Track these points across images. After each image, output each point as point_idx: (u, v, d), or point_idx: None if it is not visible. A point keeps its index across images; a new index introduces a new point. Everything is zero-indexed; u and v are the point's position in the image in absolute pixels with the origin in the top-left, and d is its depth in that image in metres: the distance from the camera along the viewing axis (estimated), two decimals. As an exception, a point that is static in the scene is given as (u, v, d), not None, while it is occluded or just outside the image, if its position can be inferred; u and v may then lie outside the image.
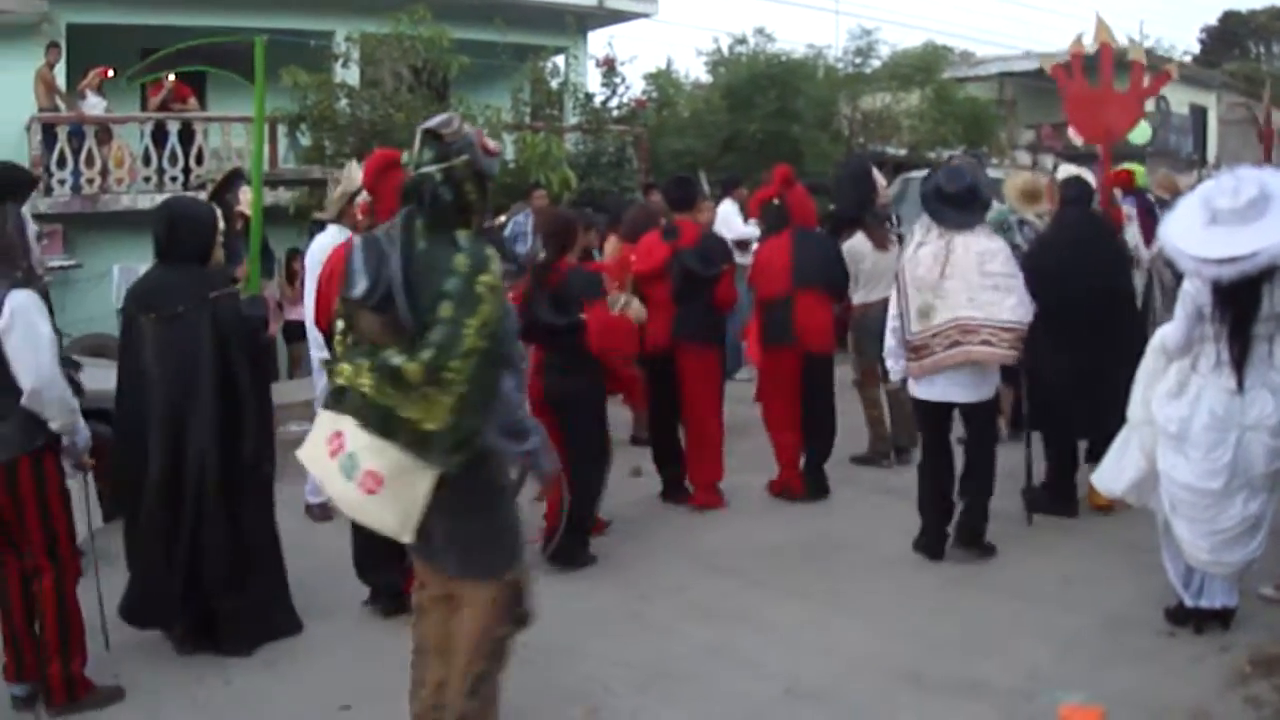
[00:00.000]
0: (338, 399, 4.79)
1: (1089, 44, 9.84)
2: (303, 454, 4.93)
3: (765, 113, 22.97)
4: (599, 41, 24.40)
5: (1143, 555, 7.40)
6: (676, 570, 8.08)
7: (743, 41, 27.24)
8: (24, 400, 5.72)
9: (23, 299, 5.73)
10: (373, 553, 7.00)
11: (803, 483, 9.72)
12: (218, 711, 6.07)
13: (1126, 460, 6.95)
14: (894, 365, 8.19)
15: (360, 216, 8.33)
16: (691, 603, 7.44)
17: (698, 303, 9.33)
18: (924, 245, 7.83)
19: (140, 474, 6.59)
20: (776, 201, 9.66)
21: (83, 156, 18.59)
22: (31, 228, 6.12)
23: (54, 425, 5.83)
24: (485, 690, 5.05)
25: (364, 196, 8.93)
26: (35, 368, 5.69)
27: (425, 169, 4.76)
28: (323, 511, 9.04)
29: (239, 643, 6.69)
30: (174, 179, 18.95)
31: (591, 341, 7.93)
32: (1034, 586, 7.55)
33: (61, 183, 18.53)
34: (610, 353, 8.11)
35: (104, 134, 18.96)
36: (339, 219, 8.89)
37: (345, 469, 4.69)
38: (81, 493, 6.67)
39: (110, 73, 19.09)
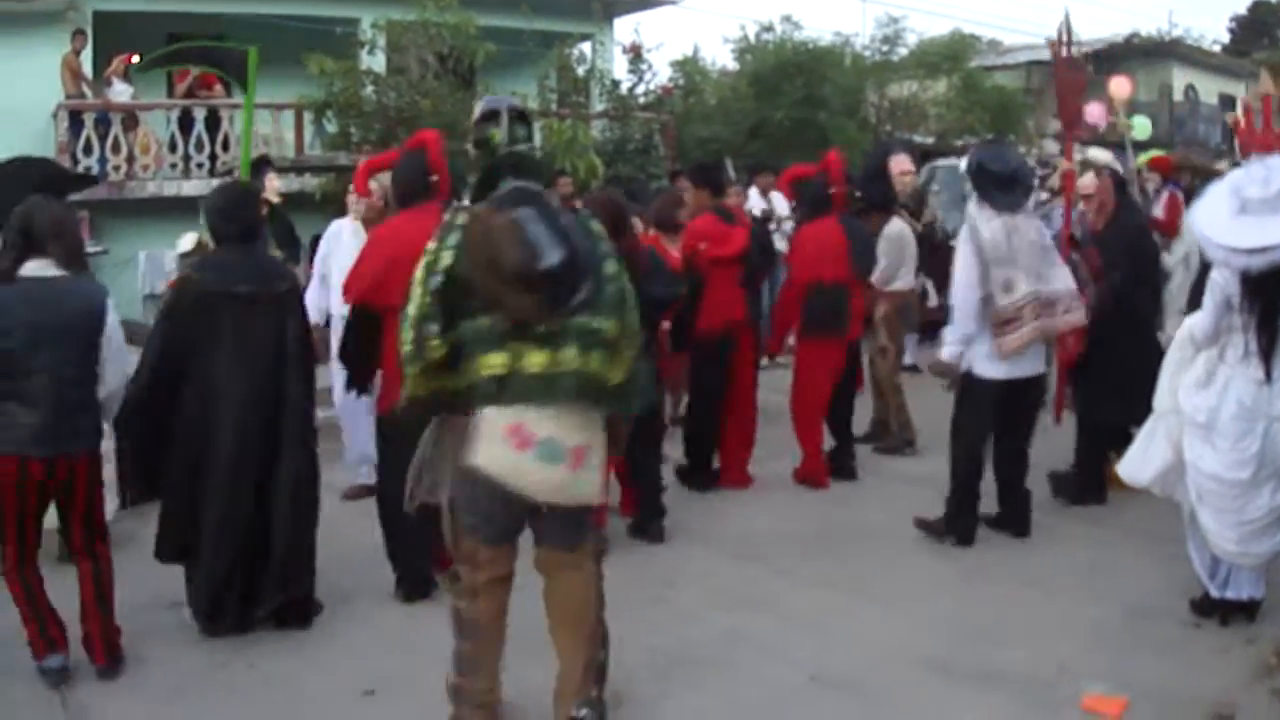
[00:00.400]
0: (493, 393, 4.74)
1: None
2: (481, 459, 4.76)
3: (792, 100, 22.96)
4: (625, 28, 24.44)
5: (1168, 546, 7.33)
6: (701, 556, 8.04)
7: (770, 29, 27.24)
8: (104, 396, 6.10)
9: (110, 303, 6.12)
10: (405, 539, 7.01)
11: (829, 470, 9.68)
12: (245, 694, 6.05)
13: (1153, 450, 6.89)
14: (954, 349, 7.92)
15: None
16: (716, 589, 7.40)
17: (754, 286, 9.55)
18: (991, 222, 7.74)
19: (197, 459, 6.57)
20: (834, 190, 9.63)
21: (109, 143, 18.68)
22: None
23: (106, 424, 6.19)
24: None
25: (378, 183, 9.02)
26: (123, 367, 6.15)
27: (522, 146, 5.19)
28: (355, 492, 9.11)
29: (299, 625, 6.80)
30: (200, 165, 19.02)
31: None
32: (1059, 576, 7.49)
33: (88, 169, 18.54)
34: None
35: (130, 120, 19.01)
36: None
37: (546, 456, 4.73)
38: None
39: (135, 58, 19.09)
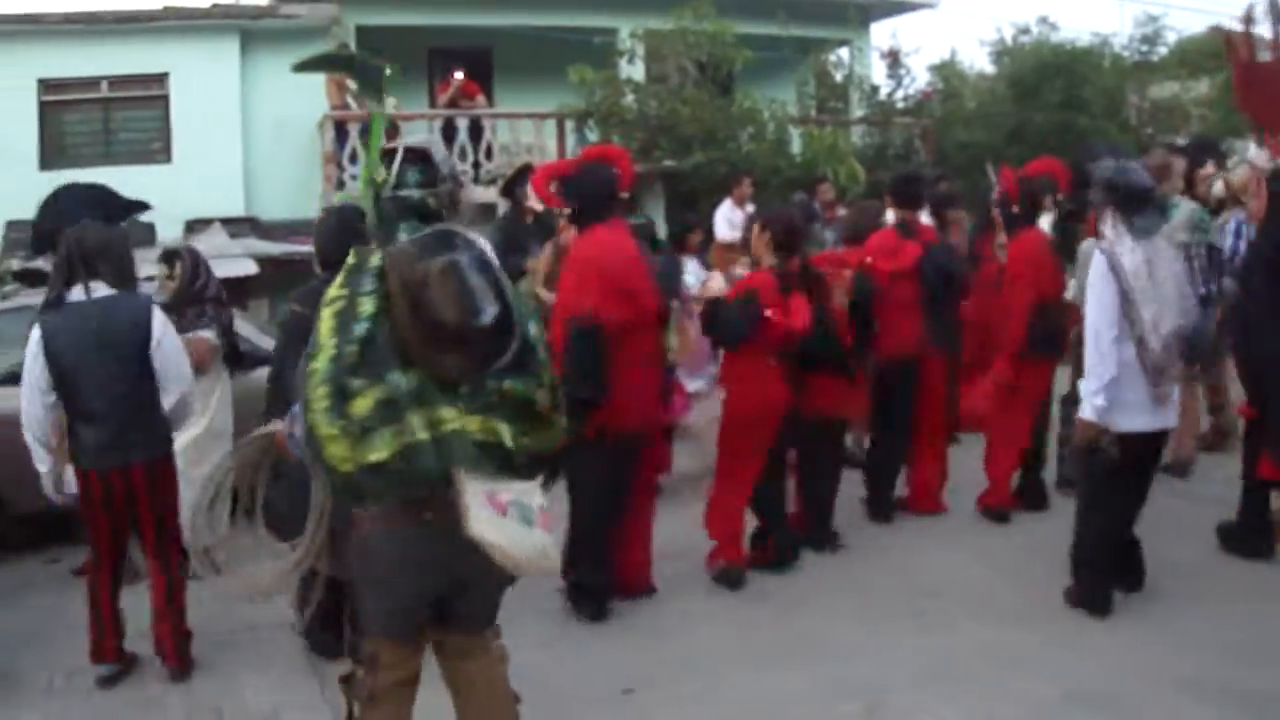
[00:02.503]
0: (448, 455, 4.01)
1: None
2: (476, 531, 3.98)
3: (1051, 103, 22.30)
4: (882, 33, 24.11)
5: None
6: (960, 568, 7.86)
7: (1026, 31, 26.73)
8: (170, 406, 6.31)
9: (162, 315, 6.31)
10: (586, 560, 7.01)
11: (1019, 496, 9.08)
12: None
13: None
14: (1099, 403, 6.67)
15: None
16: (972, 601, 7.21)
17: (946, 308, 8.91)
18: (1135, 252, 6.67)
19: None
20: (1060, 198, 9.16)
21: (374, 152, 18.91)
22: None
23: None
24: None
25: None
26: (183, 373, 6.33)
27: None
28: None
29: None
30: (464, 173, 19.14)
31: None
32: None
33: (353, 178, 18.93)
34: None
35: (393, 131, 19.25)
36: None
37: (524, 518, 4.09)
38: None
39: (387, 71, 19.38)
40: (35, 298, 9.92)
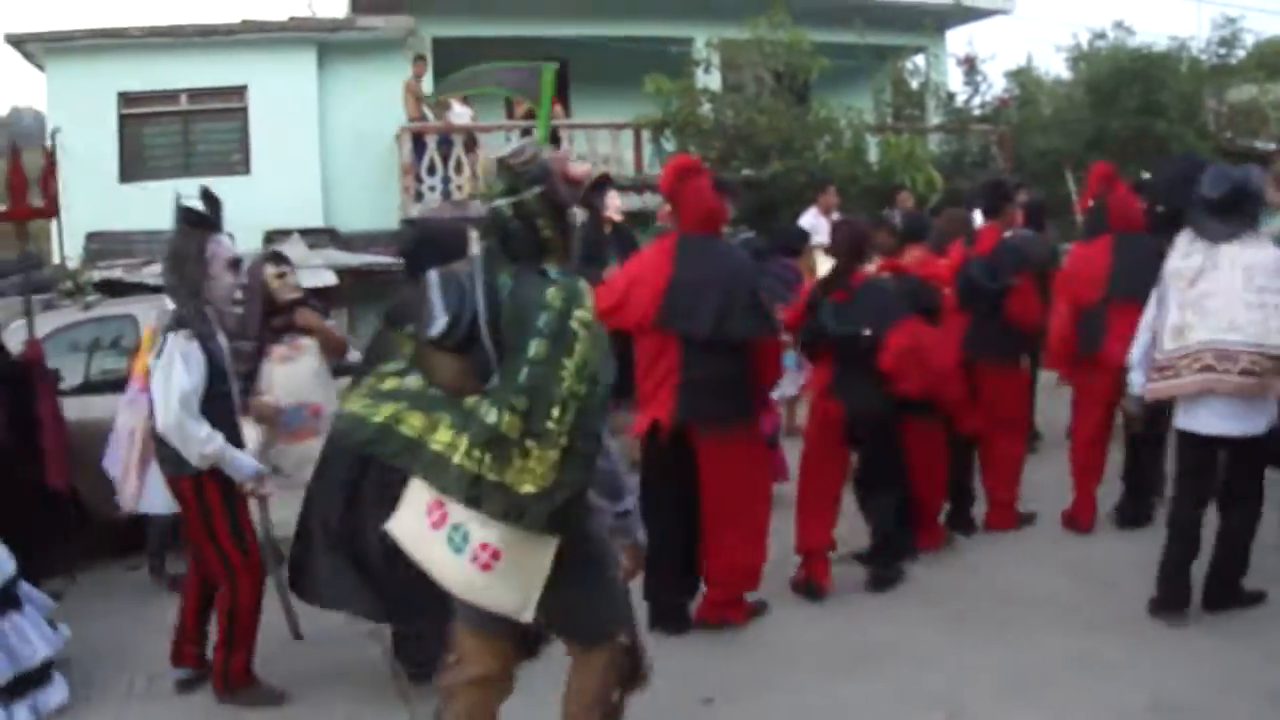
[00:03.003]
0: (409, 457, 4.05)
1: None
2: (394, 526, 4.22)
3: (1129, 109, 22.07)
4: (957, 40, 23.94)
5: None
6: (1042, 577, 7.75)
7: (1102, 36, 26.45)
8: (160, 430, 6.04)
9: (170, 343, 5.98)
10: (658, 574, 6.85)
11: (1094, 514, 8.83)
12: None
13: None
14: (1137, 378, 7.11)
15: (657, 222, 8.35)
16: (1056, 610, 7.11)
17: (991, 317, 8.73)
18: (1189, 257, 6.70)
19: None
20: (1092, 203, 9.03)
21: (451, 164, 19.13)
22: (224, 261, 6.21)
23: (193, 462, 6.00)
24: None
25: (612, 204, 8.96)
26: (163, 412, 5.95)
27: (496, 202, 4.23)
28: None
29: None
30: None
31: (884, 360, 7.46)
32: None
33: (431, 189, 19.14)
34: (904, 376, 7.54)
35: (470, 142, 19.41)
36: None
37: (453, 543, 4.04)
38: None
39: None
40: (117, 307, 10.06)
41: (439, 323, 4.08)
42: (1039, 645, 6.55)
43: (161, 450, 6.16)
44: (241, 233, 15.87)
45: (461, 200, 18.97)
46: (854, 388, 7.60)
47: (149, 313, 10.07)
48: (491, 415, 3.87)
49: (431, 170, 19.14)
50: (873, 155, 18.61)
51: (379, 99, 19.58)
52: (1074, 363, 8.84)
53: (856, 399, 7.61)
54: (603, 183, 11.00)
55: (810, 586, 7.56)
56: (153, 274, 13.60)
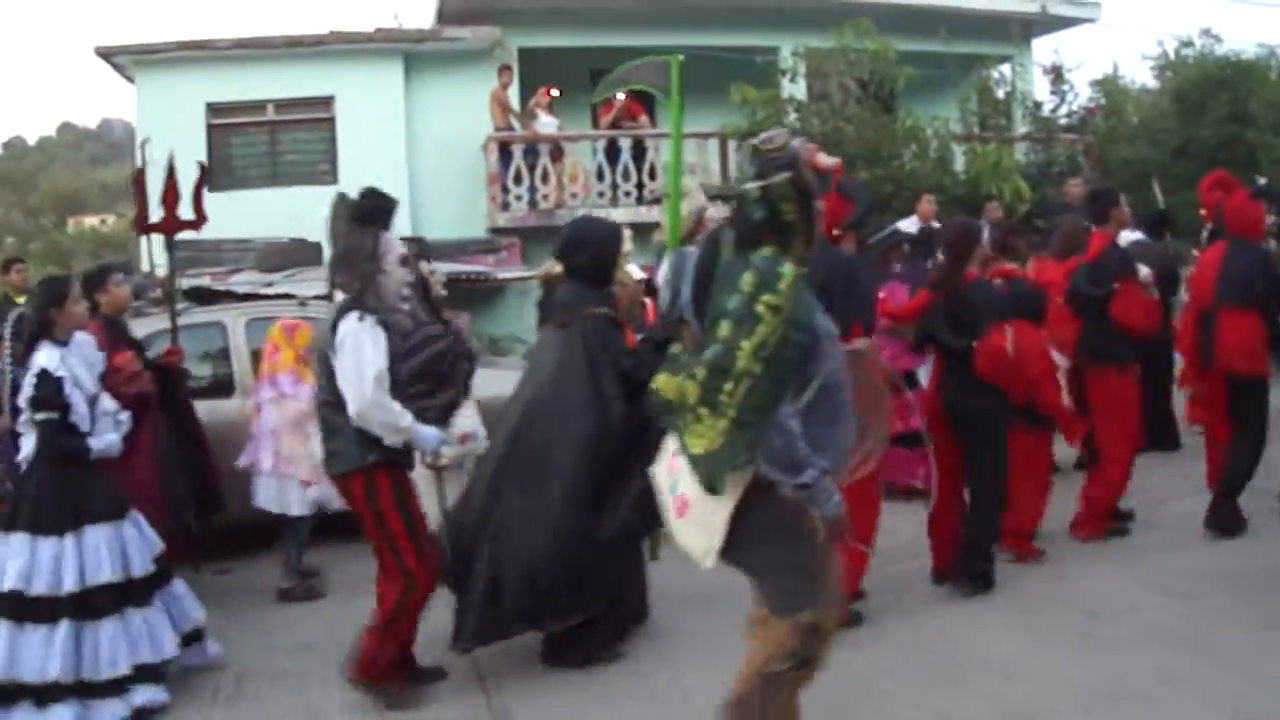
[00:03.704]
0: (660, 411, 4.64)
1: None
2: (655, 469, 4.91)
3: (1217, 117, 21.85)
4: (1044, 49, 23.76)
5: None
6: (1128, 590, 7.69)
7: (1189, 44, 26.11)
8: (352, 421, 6.04)
9: (353, 324, 6.04)
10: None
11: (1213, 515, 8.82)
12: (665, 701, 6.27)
13: None
14: None
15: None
16: (1142, 624, 7.04)
17: (1098, 321, 8.79)
18: None
19: None
20: (1204, 210, 9.02)
21: (538, 173, 19.22)
22: (396, 257, 6.26)
23: (386, 442, 6.09)
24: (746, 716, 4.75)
25: (710, 212, 9.15)
26: (358, 394, 5.98)
27: (744, 186, 4.52)
28: None
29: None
30: (627, 194, 19.47)
31: (978, 364, 7.59)
32: None
33: (518, 198, 19.22)
34: (998, 379, 7.65)
35: (557, 152, 19.49)
36: (689, 239, 8.98)
37: (671, 489, 4.69)
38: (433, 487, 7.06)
39: (554, 92, 19.62)
40: (205, 315, 10.17)
41: (663, 297, 4.68)
42: (1123, 658, 6.52)
43: (332, 445, 6.23)
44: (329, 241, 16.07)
45: (548, 209, 19.06)
46: (954, 386, 7.80)
47: (237, 320, 10.25)
48: (682, 381, 4.35)
49: (518, 179, 19.21)
50: (959, 165, 18.54)
51: (465, 109, 19.68)
52: (1193, 368, 9.01)
53: (955, 397, 7.78)
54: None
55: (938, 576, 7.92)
56: (241, 282, 13.77)
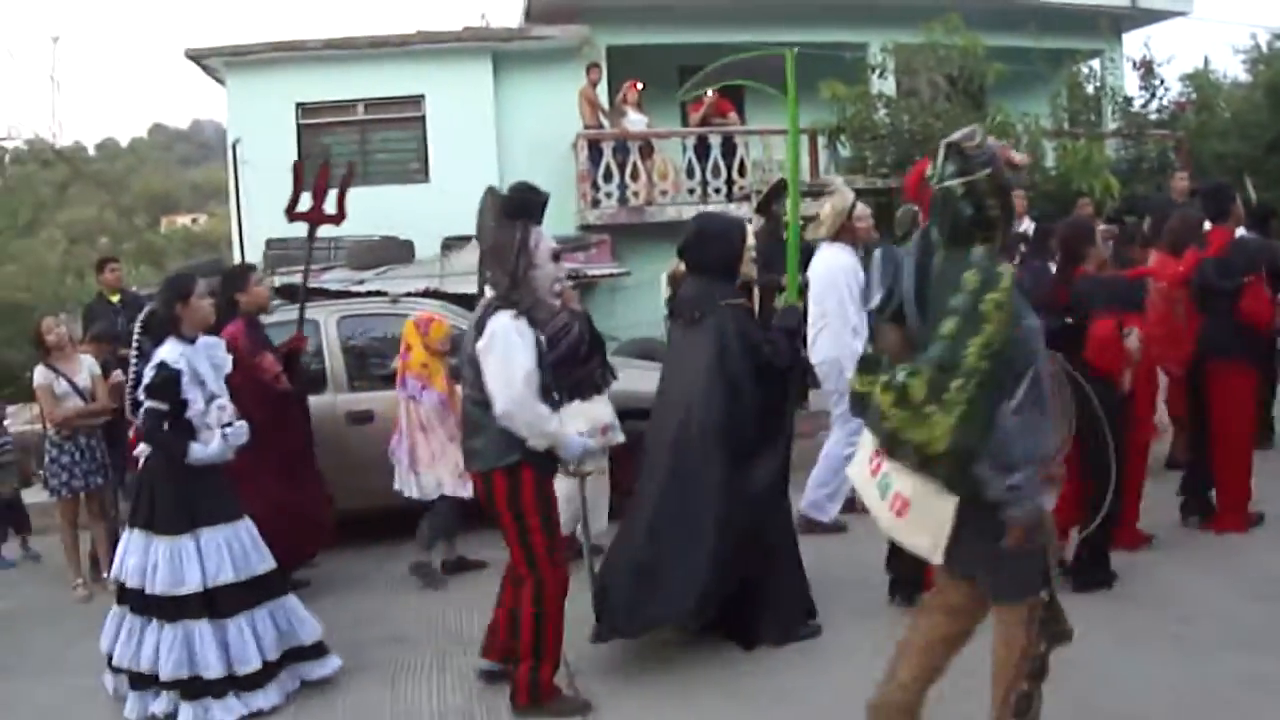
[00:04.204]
0: (860, 409, 4.84)
1: None
2: (851, 470, 5.05)
3: (1312, 110, 21.65)
4: (1134, 43, 23.51)
5: None
6: (1221, 594, 7.57)
7: (1281, 36, 25.86)
8: (497, 420, 5.93)
9: (504, 322, 5.93)
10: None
11: None
12: (754, 701, 6.27)
13: None
14: None
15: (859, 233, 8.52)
16: (1235, 628, 6.92)
17: (1223, 316, 8.71)
18: None
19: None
20: None
21: (628, 171, 19.28)
22: (547, 252, 6.19)
23: (530, 444, 5.97)
24: (1027, 707, 4.95)
25: (860, 212, 9.23)
26: (506, 392, 5.87)
27: (947, 183, 4.59)
28: (807, 525, 8.99)
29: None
30: (717, 190, 19.47)
31: (1087, 352, 7.51)
32: None
33: (608, 195, 19.29)
34: (1104, 370, 7.58)
35: (646, 149, 19.54)
36: (836, 236, 9.05)
37: (881, 489, 4.75)
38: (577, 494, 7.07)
39: (639, 85, 19.63)
40: (297, 312, 10.34)
41: (877, 296, 4.71)
42: (1214, 664, 6.41)
43: (474, 443, 6.17)
44: (421, 239, 16.23)
45: (638, 206, 19.13)
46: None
47: (330, 317, 10.40)
48: (903, 379, 4.39)
49: (608, 177, 19.30)
50: (1049, 161, 18.43)
51: (555, 107, 19.78)
52: None
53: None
54: (781, 189, 11.14)
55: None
56: (333, 280, 13.93)
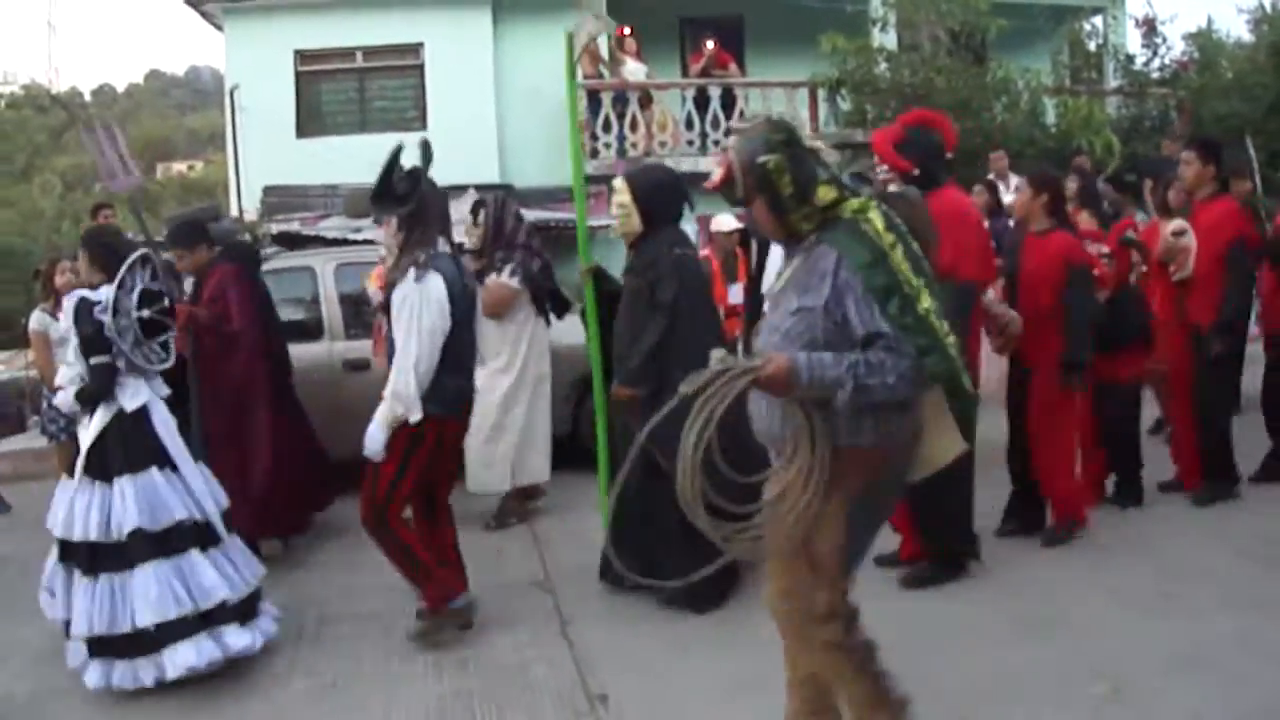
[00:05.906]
0: None
1: None
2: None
3: (1315, 73, 21.51)
4: (1136, 1, 23.35)
5: None
6: (1212, 554, 7.56)
7: (1287, -4, 25.63)
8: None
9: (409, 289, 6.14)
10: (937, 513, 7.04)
11: None
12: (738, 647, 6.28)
13: None
14: None
15: None
16: (1225, 588, 6.92)
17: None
18: None
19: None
20: None
21: (626, 121, 19.23)
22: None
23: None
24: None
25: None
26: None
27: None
28: None
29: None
30: (716, 142, 19.35)
31: None
32: None
33: (607, 146, 19.23)
34: None
35: (645, 100, 19.47)
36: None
37: None
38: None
39: (626, 30, 19.57)
40: (295, 259, 10.30)
41: None
42: (1205, 622, 6.40)
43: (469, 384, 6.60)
44: (418, 188, 16.15)
45: (637, 157, 19.07)
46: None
47: (326, 265, 10.39)
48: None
49: (607, 127, 19.27)
50: (1050, 118, 18.38)
51: (554, 56, 19.65)
52: None
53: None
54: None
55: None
56: (329, 227, 13.90)
